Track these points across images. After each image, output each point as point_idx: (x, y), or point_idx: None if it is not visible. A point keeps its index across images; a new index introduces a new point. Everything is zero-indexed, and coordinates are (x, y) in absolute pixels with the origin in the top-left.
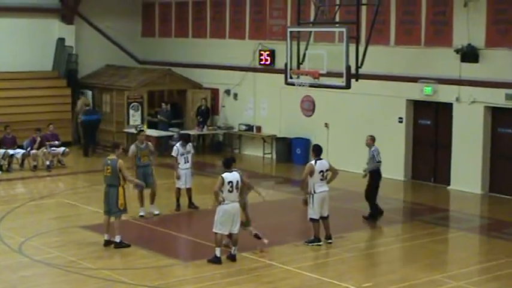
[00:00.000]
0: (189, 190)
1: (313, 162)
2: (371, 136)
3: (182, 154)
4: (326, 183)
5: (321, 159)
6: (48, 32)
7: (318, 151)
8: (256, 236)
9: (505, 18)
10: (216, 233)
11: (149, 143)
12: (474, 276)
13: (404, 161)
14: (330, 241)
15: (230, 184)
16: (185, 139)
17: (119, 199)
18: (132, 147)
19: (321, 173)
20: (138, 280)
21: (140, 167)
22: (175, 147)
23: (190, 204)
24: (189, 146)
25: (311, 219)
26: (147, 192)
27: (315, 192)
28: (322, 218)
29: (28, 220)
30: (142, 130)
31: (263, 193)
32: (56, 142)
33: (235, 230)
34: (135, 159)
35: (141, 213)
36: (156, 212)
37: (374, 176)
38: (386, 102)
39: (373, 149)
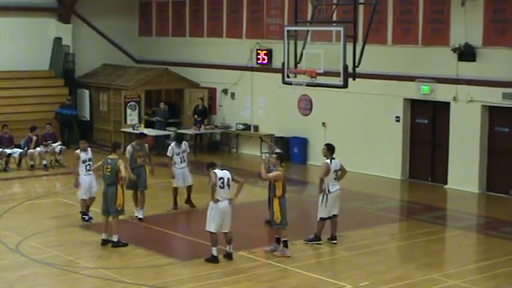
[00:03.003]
0: (189, 187)
1: (328, 161)
2: None
3: (178, 154)
4: (338, 181)
5: (334, 158)
6: (45, 31)
7: (332, 150)
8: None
9: (502, 17)
10: (210, 233)
11: (145, 144)
12: (471, 275)
13: (402, 160)
14: (334, 242)
15: (221, 180)
16: (179, 138)
17: (117, 199)
18: (129, 148)
19: (335, 172)
20: (135, 279)
21: (135, 168)
22: (170, 147)
23: (188, 200)
24: (184, 145)
25: (321, 218)
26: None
27: (329, 191)
28: (331, 216)
29: (25, 219)
30: (145, 134)
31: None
32: (54, 145)
33: (227, 228)
34: (130, 161)
35: (137, 215)
36: (141, 217)
37: None
38: (384, 101)
39: None
